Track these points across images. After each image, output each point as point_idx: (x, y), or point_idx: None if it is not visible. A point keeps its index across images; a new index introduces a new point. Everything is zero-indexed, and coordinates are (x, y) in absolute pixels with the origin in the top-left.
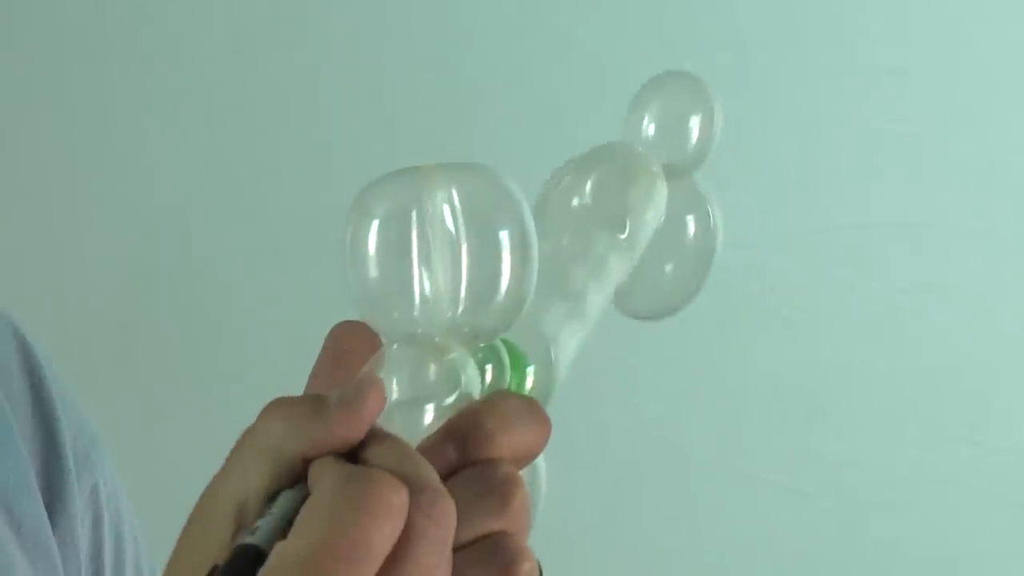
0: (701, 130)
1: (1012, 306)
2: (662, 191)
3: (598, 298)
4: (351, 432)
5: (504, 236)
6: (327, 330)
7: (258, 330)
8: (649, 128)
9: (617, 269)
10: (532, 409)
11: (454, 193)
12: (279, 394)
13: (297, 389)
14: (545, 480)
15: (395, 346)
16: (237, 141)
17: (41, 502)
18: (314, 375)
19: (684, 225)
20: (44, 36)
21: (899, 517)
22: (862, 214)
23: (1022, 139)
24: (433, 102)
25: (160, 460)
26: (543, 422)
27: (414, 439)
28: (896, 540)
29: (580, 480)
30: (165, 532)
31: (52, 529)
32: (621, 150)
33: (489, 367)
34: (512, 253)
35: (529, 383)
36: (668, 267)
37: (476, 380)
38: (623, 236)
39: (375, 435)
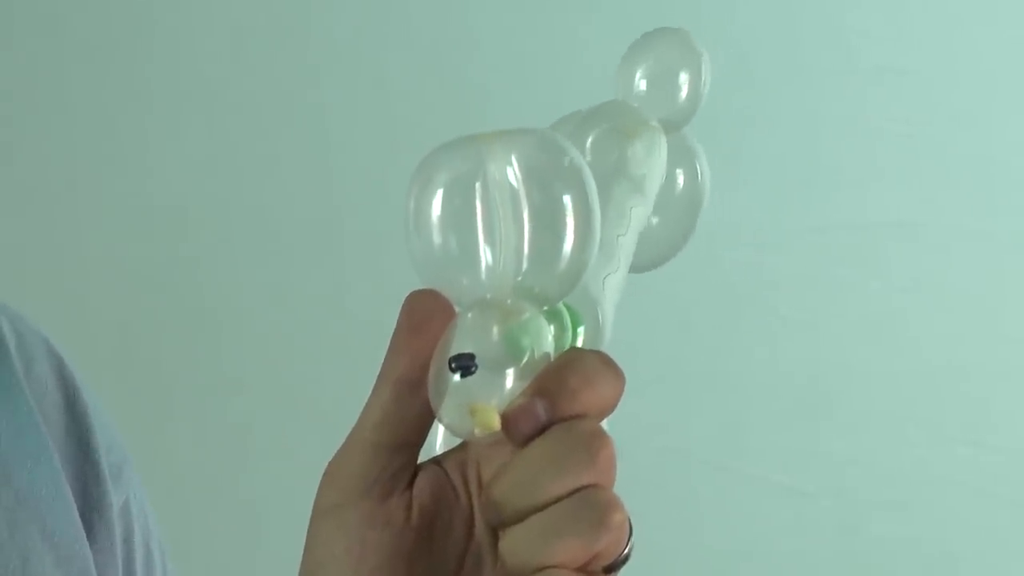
0: (691, 85)
1: (1012, 306)
2: (662, 144)
3: (628, 251)
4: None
5: (567, 200)
6: (328, 330)
7: (258, 330)
8: (640, 84)
9: (638, 219)
10: (608, 364)
11: (514, 159)
12: (279, 395)
13: (297, 390)
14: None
15: (470, 314)
16: (237, 141)
17: (76, 513)
18: (393, 346)
19: (673, 178)
20: (44, 36)
21: (899, 517)
22: (861, 214)
23: (1021, 139)
24: (435, 102)
25: (159, 460)
26: (619, 376)
27: (499, 401)
28: (896, 540)
29: None
30: (167, 531)
31: (90, 539)
32: (620, 107)
33: (551, 328)
34: (575, 216)
35: (579, 343)
36: (655, 219)
37: (551, 340)
38: (637, 185)
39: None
